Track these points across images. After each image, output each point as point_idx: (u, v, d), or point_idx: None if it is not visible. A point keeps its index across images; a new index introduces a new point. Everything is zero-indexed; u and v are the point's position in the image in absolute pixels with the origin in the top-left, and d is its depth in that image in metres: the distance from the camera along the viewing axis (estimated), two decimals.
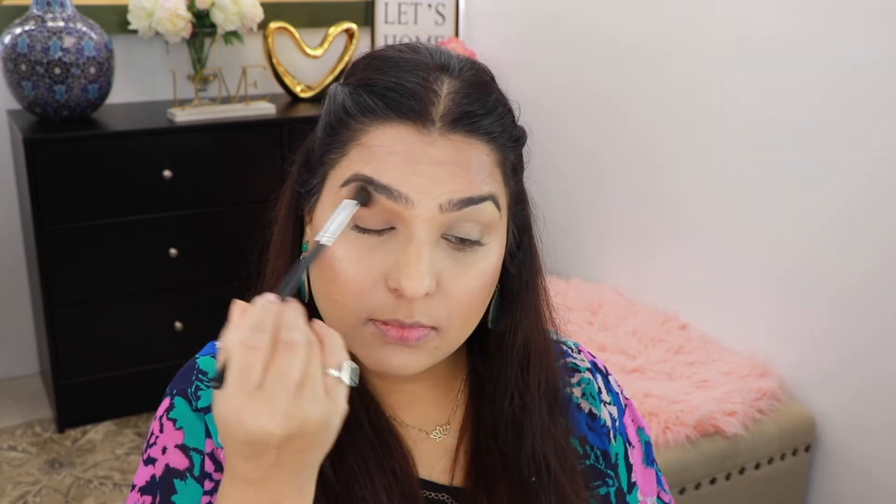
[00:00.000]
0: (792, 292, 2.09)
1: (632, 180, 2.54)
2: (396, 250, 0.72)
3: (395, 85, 0.73)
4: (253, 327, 0.62)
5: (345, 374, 0.65)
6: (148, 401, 2.80)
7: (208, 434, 0.77)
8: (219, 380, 0.62)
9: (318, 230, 0.75)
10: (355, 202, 0.71)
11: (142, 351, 2.77)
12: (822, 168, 1.97)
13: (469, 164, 0.72)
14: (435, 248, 0.72)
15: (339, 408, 0.64)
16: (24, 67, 2.52)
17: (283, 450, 0.63)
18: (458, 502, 0.82)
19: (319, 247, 0.69)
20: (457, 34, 3.22)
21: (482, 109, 0.74)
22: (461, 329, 0.76)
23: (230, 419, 0.62)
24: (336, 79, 3.08)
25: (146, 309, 2.74)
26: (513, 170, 0.78)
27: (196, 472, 0.76)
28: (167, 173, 2.64)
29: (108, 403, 2.77)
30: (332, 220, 0.70)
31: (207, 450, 0.77)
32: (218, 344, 0.64)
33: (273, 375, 0.61)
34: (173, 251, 2.71)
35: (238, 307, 0.65)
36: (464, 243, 0.74)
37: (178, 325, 2.77)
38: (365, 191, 0.71)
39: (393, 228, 0.72)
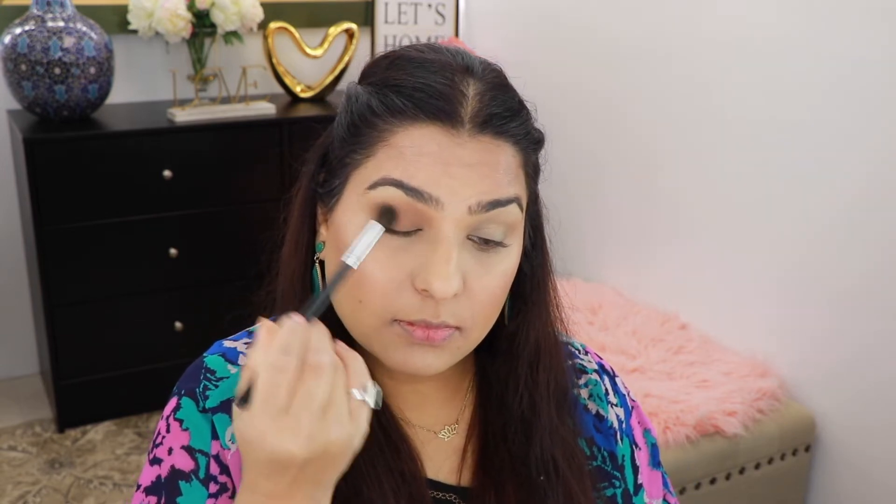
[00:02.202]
0: (792, 292, 2.09)
1: (632, 180, 2.54)
2: (424, 251, 0.72)
3: (424, 85, 0.73)
4: (281, 349, 0.63)
5: (369, 397, 0.66)
6: (148, 401, 2.80)
7: (215, 435, 0.77)
8: (244, 400, 0.63)
9: (337, 231, 0.75)
10: (381, 227, 0.71)
11: (142, 351, 2.77)
12: (821, 168, 1.98)
13: (497, 166, 0.73)
14: (461, 249, 0.73)
15: (361, 429, 0.66)
16: (24, 67, 2.52)
17: (305, 470, 0.64)
18: (466, 502, 0.82)
19: (346, 268, 0.69)
20: (457, 34, 3.22)
21: (508, 111, 0.74)
22: (482, 329, 0.77)
23: (254, 439, 0.63)
24: (337, 79, 3.08)
25: (146, 309, 2.74)
26: (534, 171, 0.79)
27: (201, 474, 0.76)
28: (167, 173, 2.64)
29: (108, 403, 2.77)
30: (358, 241, 0.70)
31: (213, 452, 0.77)
32: (243, 362, 0.65)
33: (299, 398, 0.63)
34: (173, 251, 2.71)
35: (265, 327, 0.66)
36: (488, 244, 0.74)
37: (178, 325, 2.77)
38: (391, 212, 0.71)
39: (420, 230, 0.73)
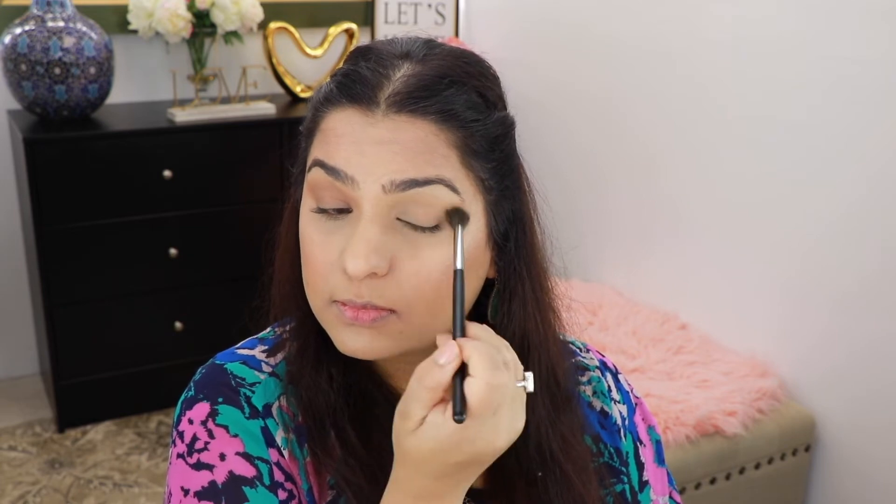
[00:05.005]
0: (792, 292, 2.09)
1: (631, 180, 2.54)
2: (350, 232, 0.73)
3: (352, 72, 0.75)
4: (496, 365, 0.67)
5: (529, 383, 0.69)
6: (148, 401, 2.80)
7: (270, 443, 0.77)
8: (461, 413, 0.65)
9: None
10: (459, 225, 0.73)
11: (142, 351, 2.77)
12: (822, 168, 1.97)
13: (411, 144, 0.71)
14: (388, 229, 0.72)
15: (524, 416, 0.70)
16: (24, 67, 2.52)
17: (483, 463, 0.68)
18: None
19: (457, 272, 0.71)
20: (457, 34, 3.22)
21: (432, 90, 0.73)
22: (426, 314, 0.74)
23: (462, 446, 0.65)
24: None
25: (146, 309, 2.74)
26: (474, 153, 0.74)
27: (266, 481, 0.76)
28: (167, 173, 2.64)
29: (108, 403, 2.77)
30: (458, 247, 0.71)
31: (273, 459, 0.77)
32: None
33: (500, 395, 0.66)
34: (173, 251, 2.71)
35: (475, 347, 0.68)
36: (416, 229, 0.73)
37: (178, 325, 2.77)
38: (459, 212, 0.73)
39: (351, 211, 0.74)
